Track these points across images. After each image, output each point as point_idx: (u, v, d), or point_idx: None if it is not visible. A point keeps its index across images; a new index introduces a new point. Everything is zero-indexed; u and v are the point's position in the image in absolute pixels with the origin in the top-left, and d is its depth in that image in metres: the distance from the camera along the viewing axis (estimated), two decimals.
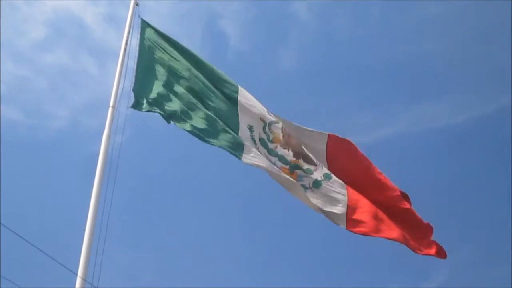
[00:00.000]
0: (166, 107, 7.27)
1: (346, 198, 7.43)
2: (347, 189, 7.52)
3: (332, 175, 7.61)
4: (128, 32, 7.62)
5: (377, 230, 7.35)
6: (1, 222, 4.91)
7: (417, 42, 20.55)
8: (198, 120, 7.28)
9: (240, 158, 7.18)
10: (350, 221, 7.34)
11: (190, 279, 15.41)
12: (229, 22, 20.13)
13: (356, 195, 7.52)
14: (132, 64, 7.43)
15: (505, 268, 15.98)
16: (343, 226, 7.34)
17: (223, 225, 17.32)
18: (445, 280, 17.08)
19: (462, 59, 20.61)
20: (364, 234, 7.37)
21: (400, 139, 20.46)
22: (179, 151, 15.16)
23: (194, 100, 7.47)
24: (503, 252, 16.67)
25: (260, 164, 7.21)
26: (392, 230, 7.38)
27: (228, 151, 7.21)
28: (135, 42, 7.66)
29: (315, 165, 7.67)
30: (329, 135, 7.99)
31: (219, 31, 19.87)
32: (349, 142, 8.00)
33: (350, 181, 7.66)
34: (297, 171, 7.58)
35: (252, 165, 7.19)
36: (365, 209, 7.43)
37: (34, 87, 18.09)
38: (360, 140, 19.78)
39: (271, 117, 7.74)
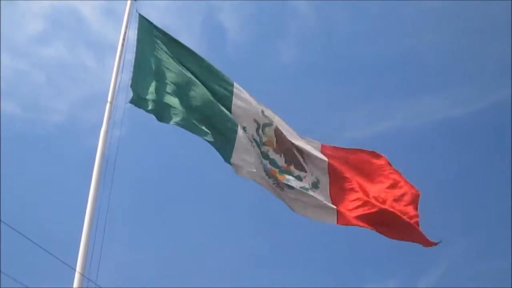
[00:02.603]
0: (162, 107, 7.23)
1: (334, 207, 7.56)
2: (332, 201, 7.65)
3: (320, 184, 7.72)
4: (126, 28, 7.56)
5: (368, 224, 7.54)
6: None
7: (415, 36, 20.55)
8: (194, 120, 7.26)
9: (228, 161, 7.27)
10: (340, 218, 7.51)
11: (189, 277, 15.43)
12: (227, 15, 20.09)
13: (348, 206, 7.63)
14: (130, 57, 7.40)
15: (504, 261, 16.06)
16: (334, 221, 7.50)
17: (223, 221, 17.32)
18: (444, 273, 17.15)
19: (460, 52, 20.63)
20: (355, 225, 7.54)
21: (397, 133, 20.48)
22: (179, 146, 15.11)
23: (190, 101, 7.43)
24: (502, 245, 16.75)
25: (249, 170, 7.26)
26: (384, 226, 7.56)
27: (218, 151, 7.28)
28: (133, 34, 7.58)
29: (305, 171, 7.77)
30: (322, 145, 8.03)
31: (218, 24, 19.83)
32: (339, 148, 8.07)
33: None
34: (286, 175, 7.61)
35: (238, 171, 7.28)
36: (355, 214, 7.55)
37: (32, 81, 18.02)
38: (357, 134, 19.85)
39: (265, 119, 7.76)
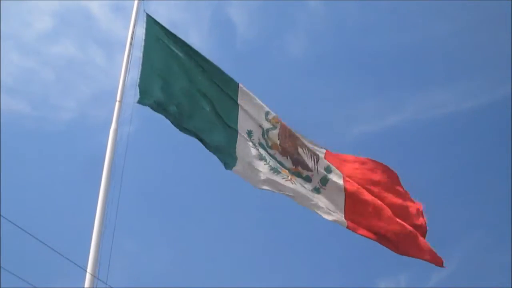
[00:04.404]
0: (169, 108, 7.32)
1: (343, 201, 7.57)
2: (345, 193, 7.64)
3: (329, 178, 7.71)
4: (134, 27, 7.54)
5: (374, 234, 7.56)
6: (6, 217, 4.82)
7: (424, 28, 20.41)
8: (198, 124, 7.38)
9: (230, 168, 7.35)
10: (350, 221, 7.52)
11: (200, 276, 15.38)
12: (236, 10, 20.00)
13: (356, 197, 7.63)
14: (139, 53, 7.38)
15: None
16: (344, 225, 7.52)
17: (234, 219, 17.26)
18: (457, 266, 17.03)
19: (469, 45, 20.47)
20: (364, 236, 7.56)
21: (407, 127, 20.39)
22: (189, 142, 15.04)
23: (196, 102, 7.51)
24: None
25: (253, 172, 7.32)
26: (387, 239, 7.56)
27: (220, 159, 7.38)
28: (142, 32, 7.56)
29: (311, 170, 7.75)
30: (326, 152, 8.01)
31: (226, 19, 19.74)
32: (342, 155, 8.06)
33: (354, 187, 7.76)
34: (296, 177, 7.64)
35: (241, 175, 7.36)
36: (364, 212, 7.58)
37: (41, 79, 18.02)
38: (367, 128, 19.81)
39: (268, 124, 7.78)
